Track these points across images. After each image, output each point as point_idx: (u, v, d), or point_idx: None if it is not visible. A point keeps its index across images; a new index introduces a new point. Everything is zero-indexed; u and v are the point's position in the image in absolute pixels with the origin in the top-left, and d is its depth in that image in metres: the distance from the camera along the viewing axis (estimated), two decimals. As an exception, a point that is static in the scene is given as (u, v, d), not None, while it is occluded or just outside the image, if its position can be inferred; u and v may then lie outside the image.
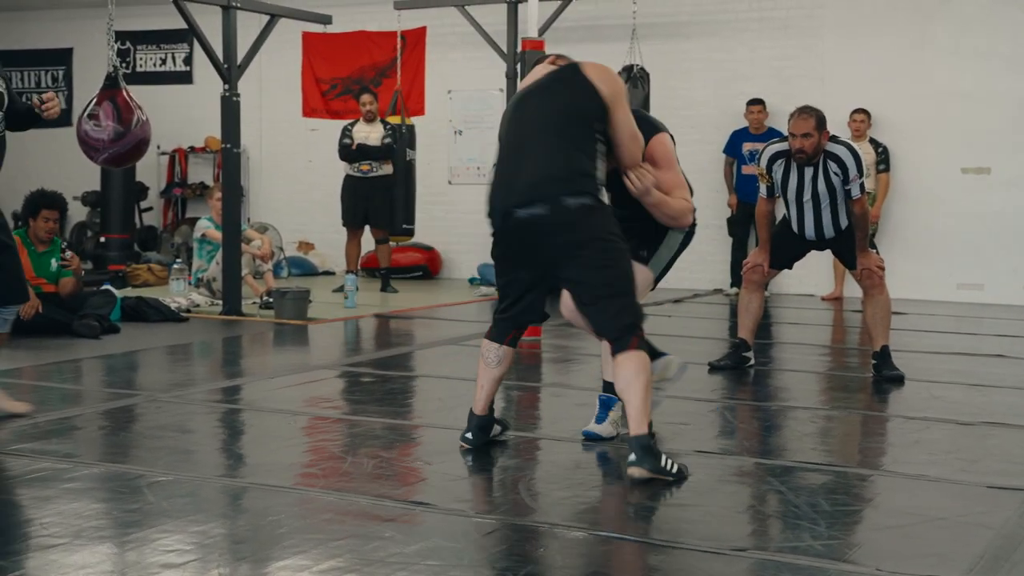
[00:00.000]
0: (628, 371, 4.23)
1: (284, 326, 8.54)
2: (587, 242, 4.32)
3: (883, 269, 6.50)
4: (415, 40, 11.72)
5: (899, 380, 6.36)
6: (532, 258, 4.44)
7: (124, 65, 13.77)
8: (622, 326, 4.29)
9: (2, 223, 5.10)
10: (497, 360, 4.62)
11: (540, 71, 4.59)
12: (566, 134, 4.38)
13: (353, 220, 10.94)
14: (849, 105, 10.76)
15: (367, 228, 10.99)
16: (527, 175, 4.38)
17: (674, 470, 4.20)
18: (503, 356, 4.62)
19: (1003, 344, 8.00)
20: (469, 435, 4.68)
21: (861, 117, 10.72)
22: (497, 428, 4.79)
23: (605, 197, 4.49)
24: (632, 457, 4.17)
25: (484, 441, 4.69)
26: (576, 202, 4.30)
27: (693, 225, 4.91)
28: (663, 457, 4.20)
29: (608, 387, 4.78)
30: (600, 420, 4.87)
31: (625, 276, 4.37)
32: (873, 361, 6.54)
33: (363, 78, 11.93)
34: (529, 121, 4.49)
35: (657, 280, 4.96)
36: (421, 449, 4.89)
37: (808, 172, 6.33)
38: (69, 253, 8.00)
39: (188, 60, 14.14)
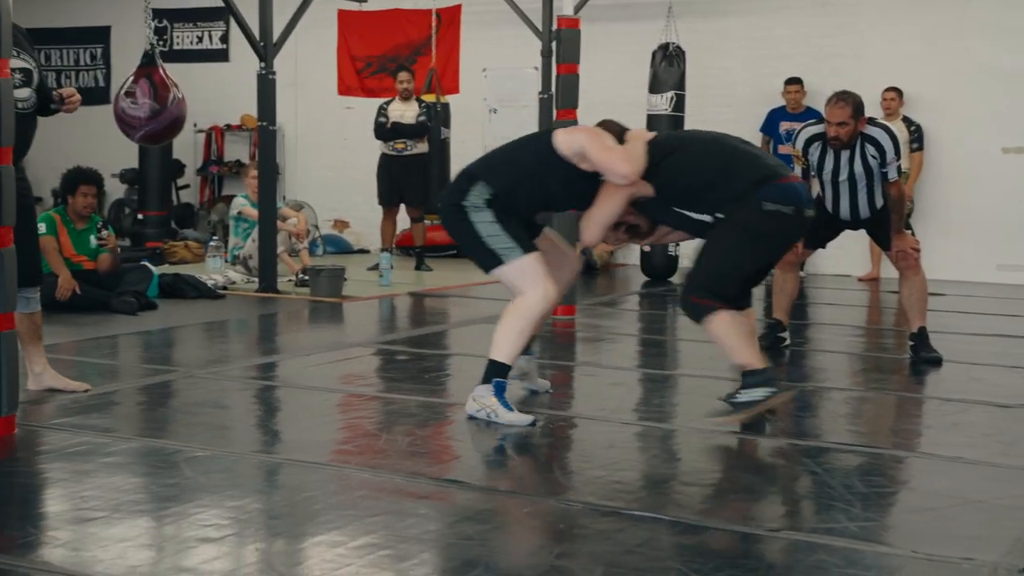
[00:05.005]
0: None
1: (319, 304, 8.57)
2: None
3: (918, 251, 6.43)
4: (450, 18, 11.71)
5: (937, 362, 6.30)
6: None
7: (161, 43, 13.82)
8: None
9: (29, 207, 4.98)
10: None
11: None
12: None
13: (388, 198, 10.96)
14: (886, 83, 10.65)
15: (402, 206, 11.01)
16: None
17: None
18: None
19: (1042, 326, 7.92)
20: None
21: (892, 95, 10.61)
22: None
23: None
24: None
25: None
26: None
27: None
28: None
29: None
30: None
31: None
32: (910, 343, 6.49)
33: (398, 56, 11.94)
34: None
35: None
36: (455, 427, 4.91)
37: (844, 154, 6.24)
38: (106, 232, 8.04)
39: (224, 38, 14.18)
